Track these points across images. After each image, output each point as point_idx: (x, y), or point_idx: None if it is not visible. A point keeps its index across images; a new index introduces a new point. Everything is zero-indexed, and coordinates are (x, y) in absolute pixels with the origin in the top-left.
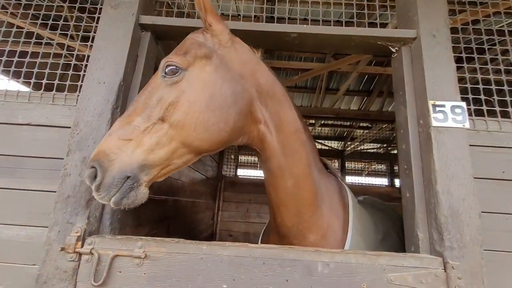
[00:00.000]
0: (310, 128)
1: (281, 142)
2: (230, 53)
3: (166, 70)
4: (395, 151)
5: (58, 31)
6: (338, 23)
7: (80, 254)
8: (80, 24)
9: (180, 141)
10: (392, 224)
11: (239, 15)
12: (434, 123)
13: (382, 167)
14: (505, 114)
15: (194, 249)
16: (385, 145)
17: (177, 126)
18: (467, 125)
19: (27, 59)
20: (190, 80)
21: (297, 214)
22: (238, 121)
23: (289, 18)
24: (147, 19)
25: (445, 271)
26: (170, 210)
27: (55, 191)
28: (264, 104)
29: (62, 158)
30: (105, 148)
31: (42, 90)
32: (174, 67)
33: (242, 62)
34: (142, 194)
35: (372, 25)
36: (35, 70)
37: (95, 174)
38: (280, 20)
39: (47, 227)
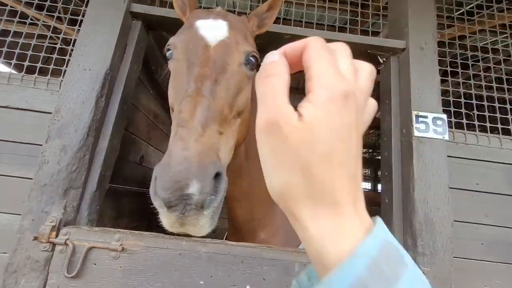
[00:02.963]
0: None
1: (245, 146)
2: None
3: None
4: (380, 157)
5: (45, 12)
6: (331, 27)
7: (54, 244)
8: (69, 6)
9: None
10: None
11: (234, 11)
12: (416, 133)
13: (366, 172)
14: (483, 129)
15: (173, 244)
16: (370, 151)
17: None
18: (446, 137)
19: (9, 38)
20: None
21: (250, 212)
22: None
23: (283, 19)
24: (139, 8)
25: None
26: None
27: (31, 178)
28: None
29: (41, 145)
30: None
31: (23, 72)
32: None
33: None
34: None
35: (364, 33)
36: (17, 50)
37: None
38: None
39: (20, 214)
